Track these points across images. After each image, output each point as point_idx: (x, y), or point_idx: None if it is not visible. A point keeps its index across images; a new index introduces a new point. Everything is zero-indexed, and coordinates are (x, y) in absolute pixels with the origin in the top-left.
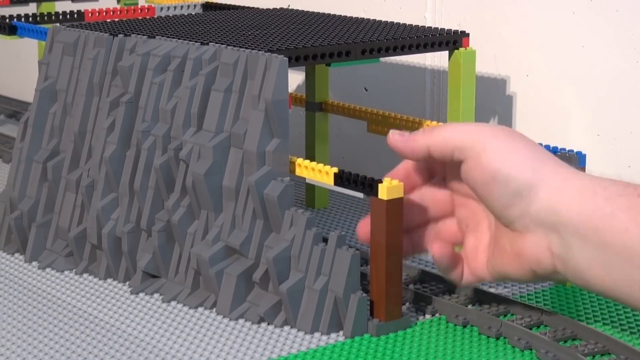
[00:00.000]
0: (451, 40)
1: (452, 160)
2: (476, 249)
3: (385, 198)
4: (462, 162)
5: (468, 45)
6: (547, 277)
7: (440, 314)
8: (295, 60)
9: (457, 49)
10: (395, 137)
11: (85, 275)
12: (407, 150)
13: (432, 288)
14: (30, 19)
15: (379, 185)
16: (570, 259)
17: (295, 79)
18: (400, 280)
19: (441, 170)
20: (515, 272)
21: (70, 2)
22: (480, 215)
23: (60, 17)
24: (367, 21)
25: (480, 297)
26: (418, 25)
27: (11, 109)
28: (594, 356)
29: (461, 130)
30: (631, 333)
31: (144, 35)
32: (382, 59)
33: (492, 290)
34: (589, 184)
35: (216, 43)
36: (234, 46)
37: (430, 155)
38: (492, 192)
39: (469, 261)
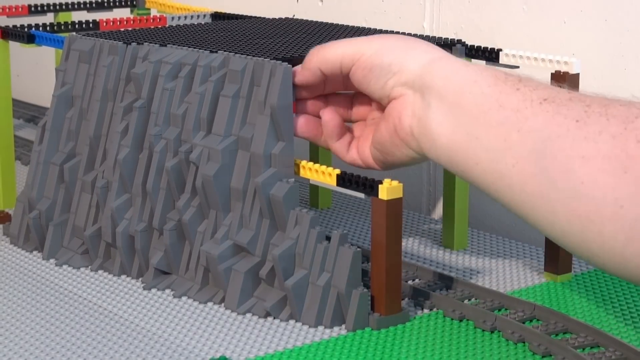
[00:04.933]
0: (448, 48)
1: (342, 73)
2: (367, 136)
3: (385, 198)
4: (348, 72)
5: (464, 54)
6: (403, 141)
7: (437, 309)
8: None
9: None
10: (295, 72)
11: (100, 271)
12: (306, 79)
13: (430, 284)
14: (48, 28)
15: (379, 186)
16: (425, 118)
17: None
18: (399, 276)
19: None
20: (384, 139)
21: (86, 12)
22: (375, 114)
23: (77, 26)
24: (369, 30)
25: (475, 292)
26: (416, 34)
27: (29, 113)
28: (584, 349)
29: (341, 46)
30: (619, 326)
31: (156, 43)
32: None
33: (487, 286)
34: (460, 61)
35: (225, 51)
36: (242, 54)
37: (325, 74)
38: (370, 79)
39: (359, 143)
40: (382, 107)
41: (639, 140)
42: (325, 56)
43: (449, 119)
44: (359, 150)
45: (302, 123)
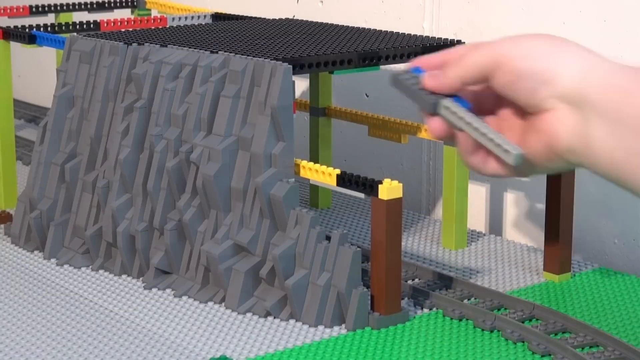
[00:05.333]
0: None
1: (484, 80)
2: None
3: (385, 198)
4: (491, 76)
5: None
6: (560, 156)
7: (437, 308)
8: (299, 68)
9: None
10: (427, 80)
11: (101, 271)
12: (443, 88)
13: (430, 284)
14: (49, 28)
15: (379, 186)
16: (585, 135)
17: (300, 85)
18: (399, 276)
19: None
20: (537, 153)
21: (87, 12)
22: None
23: (78, 27)
24: (368, 31)
25: (475, 292)
26: (416, 35)
27: (31, 114)
28: (583, 348)
29: (484, 52)
30: (618, 326)
31: (156, 44)
32: (382, 67)
33: (486, 285)
34: (615, 68)
35: (225, 51)
36: (242, 54)
37: (466, 84)
38: (519, 87)
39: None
40: (519, 109)
41: None
42: (466, 67)
43: (609, 135)
44: (499, 162)
45: (438, 125)
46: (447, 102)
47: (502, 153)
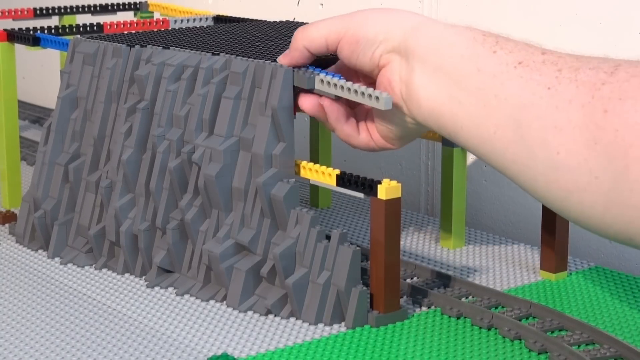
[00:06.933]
0: None
1: (328, 51)
2: (372, 115)
3: (384, 198)
4: (335, 50)
5: None
6: (399, 109)
7: (435, 306)
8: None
9: None
10: (280, 59)
11: (104, 270)
12: (295, 60)
13: (428, 282)
14: (53, 31)
15: (378, 186)
16: (410, 82)
17: None
18: (398, 274)
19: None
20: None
21: (90, 15)
22: None
23: (81, 29)
24: None
25: (472, 290)
26: None
27: (35, 115)
28: (579, 346)
29: (325, 25)
30: (614, 324)
31: (159, 46)
32: None
33: (483, 284)
34: (442, 24)
35: (226, 53)
36: (243, 56)
37: (312, 54)
38: (359, 53)
39: (368, 125)
40: (373, 82)
41: (606, 110)
42: (311, 36)
43: (433, 83)
44: (370, 132)
45: (312, 101)
46: (322, 76)
47: (374, 101)
